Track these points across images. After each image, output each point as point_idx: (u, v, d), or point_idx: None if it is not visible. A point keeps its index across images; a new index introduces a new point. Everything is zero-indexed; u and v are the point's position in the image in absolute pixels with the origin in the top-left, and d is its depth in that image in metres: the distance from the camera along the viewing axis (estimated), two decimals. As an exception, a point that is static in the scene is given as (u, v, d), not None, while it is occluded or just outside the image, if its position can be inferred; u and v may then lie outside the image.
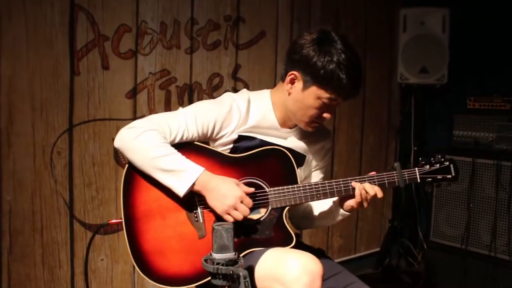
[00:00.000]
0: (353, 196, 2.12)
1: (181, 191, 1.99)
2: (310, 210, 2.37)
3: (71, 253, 2.89)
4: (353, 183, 2.11)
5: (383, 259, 4.34)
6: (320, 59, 2.03)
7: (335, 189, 2.12)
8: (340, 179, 2.13)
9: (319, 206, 2.33)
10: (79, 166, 2.89)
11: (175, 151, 2.02)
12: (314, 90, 2.07)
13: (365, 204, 2.11)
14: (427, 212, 4.22)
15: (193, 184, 1.99)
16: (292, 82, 2.13)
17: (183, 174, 1.98)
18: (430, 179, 2.19)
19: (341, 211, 2.20)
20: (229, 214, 2.00)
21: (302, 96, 2.10)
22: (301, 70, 2.09)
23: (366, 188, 2.09)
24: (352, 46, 2.08)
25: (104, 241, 3.02)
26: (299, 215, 2.39)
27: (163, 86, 3.16)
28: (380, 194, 2.10)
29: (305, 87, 2.09)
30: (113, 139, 2.07)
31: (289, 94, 2.15)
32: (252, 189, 2.06)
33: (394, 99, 4.66)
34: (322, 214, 2.32)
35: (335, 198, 2.21)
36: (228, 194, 1.99)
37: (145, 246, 2.01)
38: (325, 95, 2.06)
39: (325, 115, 2.12)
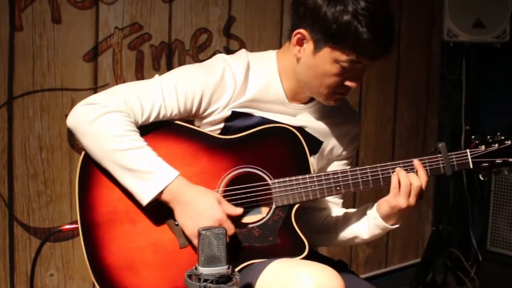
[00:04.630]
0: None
1: (144, 197, 1.97)
2: (330, 219, 2.33)
3: (11, 267, 2.90)
4: (397, 169, 2.09)
5: (424, 275, 4.36)
6: (330, 10, 1.99)
7: (359, 179, 2.11)
8: (367, 166, 2.12)
9: (344, 214, 2.30)
10: (21, 152, 2.89)
11: (144, 144, 2.00)
12: (328, 52, 2.04)
13: (411, 200, 2.06)
14: (483, 212, 4.24)
15: (161, 192, 1.98)
16: (299, 43, 2.11)
17: (150, 177, 1.96)
18: (486, 164, 2.14)
19: (377, 219, 2.14)
20: None
21: (314, 61, 2.08)
22: (309, 27, 2.06)
23: (410, 177, 2.06)
24: None
25: (54, 250, 3.03)
26: (317, 226, 2.35)
27: (133, 45, 3.16)
28: (424, 183, 2.08)
29: (316, 48, 2.06)
30: (66, 116, 2.06)
31: (298, 59, 2.13)
32: (239, 211, 2.04)
33: (435, 63, 4.64)
34: (348, 223, 2.26)
35: (373, 209, 2.19)
36: (204, 213, 1.97)
37: (109, 259, 2.00)
38: (343, 57, 2.03)
39: (348, 83, 2.10)
